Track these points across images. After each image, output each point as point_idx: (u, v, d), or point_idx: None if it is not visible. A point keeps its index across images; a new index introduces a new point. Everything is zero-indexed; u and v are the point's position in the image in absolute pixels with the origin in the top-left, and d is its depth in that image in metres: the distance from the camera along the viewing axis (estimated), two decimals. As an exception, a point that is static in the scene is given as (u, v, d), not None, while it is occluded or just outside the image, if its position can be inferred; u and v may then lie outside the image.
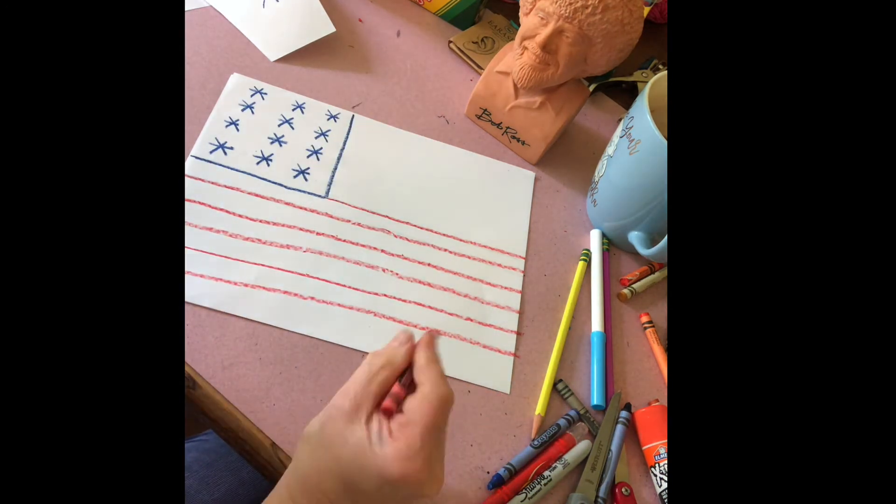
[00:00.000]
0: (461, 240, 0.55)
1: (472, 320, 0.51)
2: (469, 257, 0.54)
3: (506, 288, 0.54)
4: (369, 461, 0.33)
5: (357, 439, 0.33)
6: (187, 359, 0.44)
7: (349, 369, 0.46)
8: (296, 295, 0.48)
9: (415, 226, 0.55)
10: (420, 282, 0.52)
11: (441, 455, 0.36)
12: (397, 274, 0.52)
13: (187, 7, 0.59)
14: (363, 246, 0.52)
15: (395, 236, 0.53)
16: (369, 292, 0.50)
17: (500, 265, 0.55)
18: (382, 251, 0.52)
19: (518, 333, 0.52)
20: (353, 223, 0.53)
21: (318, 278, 0.49)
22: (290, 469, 0.36)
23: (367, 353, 0.47)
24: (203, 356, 0.44)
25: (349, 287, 0.50)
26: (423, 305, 0.51)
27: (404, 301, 0.51)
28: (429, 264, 0.53)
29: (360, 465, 0.33)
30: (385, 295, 0.50)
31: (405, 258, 0.53)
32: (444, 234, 0.55)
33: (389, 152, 0.58)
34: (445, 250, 0.54)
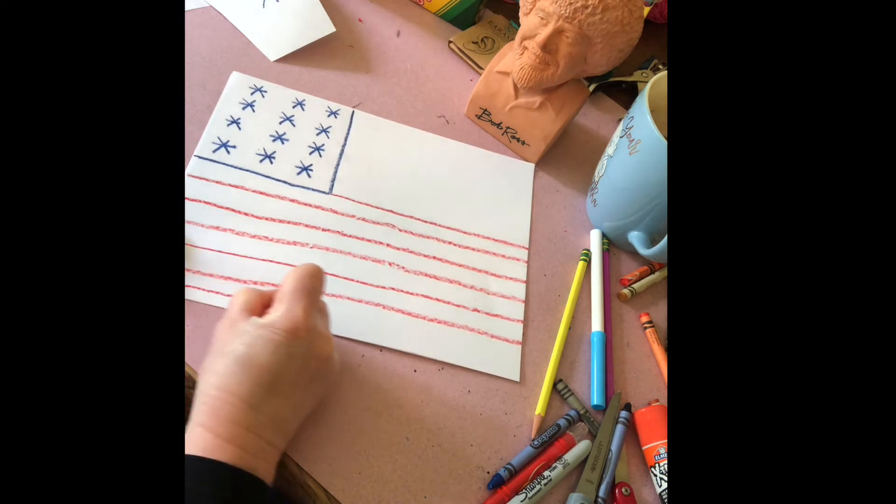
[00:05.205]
0: (465, 232, 0.55)
1: (478, 311, 0.52)
2: (473, 249, 0.55)
3: (510, 278, 0.54)
4: (258, 333, 0.37)
5: (244, 326, 0.38)
6: (187, 359, 0.44)
7: (347, 368, 0.47)
8: None
9: (419, 219, 0.55)
10: (426, 275, 0.52)
11: (326, 320, 0.42)
12: (403, 267, 0.52)
13: (187, 7, 0.59)
14: (368, 241, 0.52)
15: (400, 230, 0.54)
16: (376, 286, 0.50)
17: (504, 256, 0.55)
18: (388, 245, 0.53)
19: (525, 322, 0.52)
20: (358, 218, 0.53)
21: (325, 274, 0.49)
22: (195, 406, 0.37)
23: (374, 347, 0.47)
24: (203, 356, 0.44)
25: (356, 281, 0.50)
26: (430, 298, 0.51)
27: (411, 294, 0.51)
28: (434, 257, 0.53)
29: (250, 342, 0.37)
30: (392, 288, 0.51)
31: (410, 252, 0.53)
32: (448, 227, 0.55)
33: (391, 147, 0.58)
34: (450, 243, 0.54)
